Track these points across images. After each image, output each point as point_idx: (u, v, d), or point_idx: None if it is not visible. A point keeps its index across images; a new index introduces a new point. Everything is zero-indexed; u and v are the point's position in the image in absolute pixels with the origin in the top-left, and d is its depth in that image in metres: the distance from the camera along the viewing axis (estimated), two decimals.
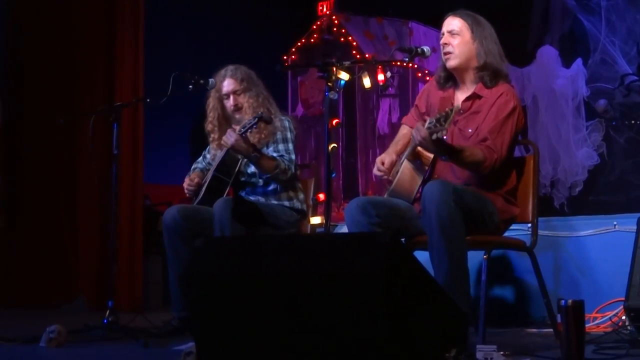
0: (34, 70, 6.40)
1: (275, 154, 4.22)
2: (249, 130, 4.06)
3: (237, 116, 4.36)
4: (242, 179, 4.35)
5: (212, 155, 4.47)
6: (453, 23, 3.70)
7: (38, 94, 6.35)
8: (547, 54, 7.18)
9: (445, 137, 3.50)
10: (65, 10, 6.33)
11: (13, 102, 6.42)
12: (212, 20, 8.14)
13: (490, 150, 3.48)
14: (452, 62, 3.68)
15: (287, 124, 4.34)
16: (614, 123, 6.73)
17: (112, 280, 4.33)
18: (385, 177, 3.68)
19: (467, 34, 3.67)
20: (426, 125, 3.33)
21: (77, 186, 6.17)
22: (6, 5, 6.50)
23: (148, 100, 4.52)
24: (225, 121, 4.42)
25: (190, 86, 4.23)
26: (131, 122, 5.88)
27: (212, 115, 4.43)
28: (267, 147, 4.28)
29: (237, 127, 4.13)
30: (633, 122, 6.59)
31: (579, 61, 6.99)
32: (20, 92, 6.46)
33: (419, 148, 3.57)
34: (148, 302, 6.04)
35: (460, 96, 3.73)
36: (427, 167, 3.64)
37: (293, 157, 4.28)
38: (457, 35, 3.66)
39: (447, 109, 3.31)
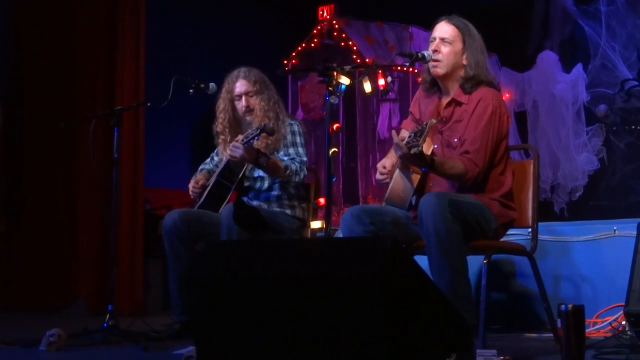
0: (35, 73, 6.39)
1: (286, 158, 4.19)
2: (252, 141, 4.00)
3: (247, 118, 4.31)
4: (247, 183, 4.33)
5: (220, 157, 4.42)
6: (447, 30, 3.66)
7: (38, 97, 6.34)
8: (548, 59, 7.19)
9: (435, 146, 3.53)
10: (66, 13, 6.32)
11: (13, 106, 6.41)
12: (212, 25, 8.14)
13: (472, 164, 3.49)
14: (439, 70, 3.66)
15: (295, 127, 4.32)
16: (614, 128, 6.74)
17: (112, 284, 4.31)
18: (388, 180, 3.68)
19: (458, 45, 3.64)
20: (405, 139, 3.36)
21: (77, 190, 6.16)
22: (6, 8, 6.50)
23: (149, 104, 4.51)
24: (236, 123, 4.37)
25: (191, 90, 4.23)
26: (132, 126, 5.86)
27: (222, 116, 4.36)
28: (277, 153, 4.25)
29: (241, 137, 4.05)
30: (633, 127, 6.59)
31: (579, 66, 7.00)
32: (21, 95, 6.45)
33: None
34: (148, 306, 6.03)
35: (444, 103, 3.72)
36: (419, 175, 3.64)
37: (304, 159, 4.25)
38: (448, 44, 3.63)
39: (423, 124, 3.36)
